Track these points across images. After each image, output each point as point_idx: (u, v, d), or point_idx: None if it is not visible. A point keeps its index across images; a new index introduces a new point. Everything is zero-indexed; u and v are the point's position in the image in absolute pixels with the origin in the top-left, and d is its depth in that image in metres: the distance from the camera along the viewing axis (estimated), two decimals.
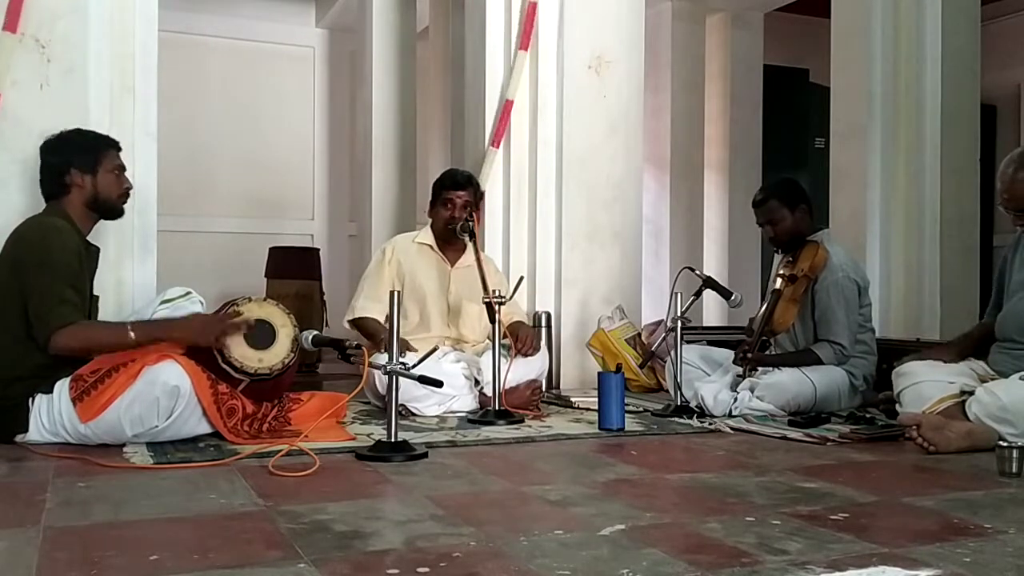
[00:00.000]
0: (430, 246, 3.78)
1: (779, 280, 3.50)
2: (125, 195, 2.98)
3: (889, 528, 1.91)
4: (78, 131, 2.99)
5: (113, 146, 2.98)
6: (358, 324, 3.67)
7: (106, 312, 3.06)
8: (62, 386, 2.63)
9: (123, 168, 2.98)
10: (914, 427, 2.73)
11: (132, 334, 2.66)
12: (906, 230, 4.54)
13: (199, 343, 2.71)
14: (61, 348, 2.63)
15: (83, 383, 2.62)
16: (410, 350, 3.28)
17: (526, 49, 4.52)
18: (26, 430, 2.64)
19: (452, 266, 3.77)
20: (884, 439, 2.95)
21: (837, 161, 4.76)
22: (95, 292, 2.96)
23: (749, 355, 3.40)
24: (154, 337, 2.68)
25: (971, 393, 2.85)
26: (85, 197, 2.88)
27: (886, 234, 4.56)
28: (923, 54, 4.53)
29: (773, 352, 3.65)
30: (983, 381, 2.92)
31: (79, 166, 2.87)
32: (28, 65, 3.21)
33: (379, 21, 6.26)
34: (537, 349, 3.64)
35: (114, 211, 2.97)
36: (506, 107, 4.51)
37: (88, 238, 2.93)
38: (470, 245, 3.62)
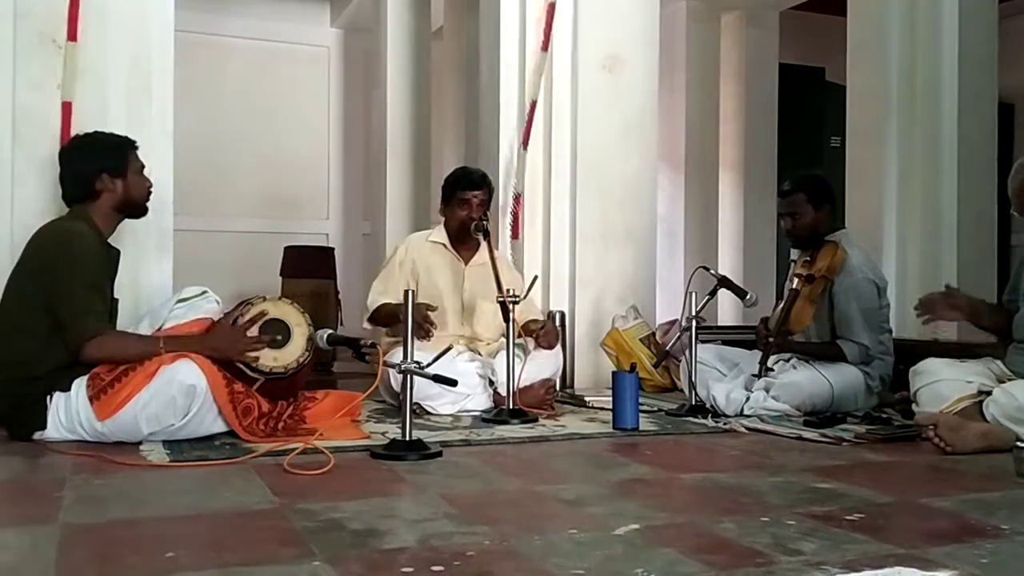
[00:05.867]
0: (444, 244, 3.78)
1: (796, 280, 3.48)
2: (149, 194, 3.01)
3: (905, 529, 1.90)
4: (99, 134, 2.99)
5: (133, 146, 2.99)
6: (375, 316, 3.66)
7: (123, 311, 3.07)
8: (80, 384, 2.65)
9: (143, 166, 3.00)
10: (931, 427, 2.72)
11: (163, 349, 2.68)
12: (922, 229, 4.51)
13: (228, 358, 2.74)
14: (92, 359, 2.67)
15: (100, 381, 2.64)
16: (430, 309, 3.27)
17: (545, 50, 4.53)
18: (44, 427, 2.66)
19: (466, 264, 3.77)
20: (900, 439, 2.94)
21: (853, 160, 4.73)
22: (115, 295, 2.98)
23: (771, 339, 3.37)
24: (183, 352, 2.69)
25: (988, 393, 2.84)
26: (115, 200, 2.90)
27: (902, 233, 4.54)
28: (940, 52, 4.50)
29: (792, 349, 3.63)
30: (1000, 381, 2.91)
31: (110, 171, 2.88)
32: (45, 66, 3.24)
33: (394, 21, 6.27)
34: (553, 344, 3.63)
35: (140, 210, 3.00)
36: (530, 109, 4.52)
37: (108, 239, 2.95)
38: (484, 244, 3.62)
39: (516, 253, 4.53)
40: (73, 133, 3.15)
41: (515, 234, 4.53)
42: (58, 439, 2.65)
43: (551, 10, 4.51)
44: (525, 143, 4.52)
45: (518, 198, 4.51)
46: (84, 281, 2.70)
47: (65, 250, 2.73)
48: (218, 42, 7.32)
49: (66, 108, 3.22)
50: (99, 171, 2.87)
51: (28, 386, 2.67)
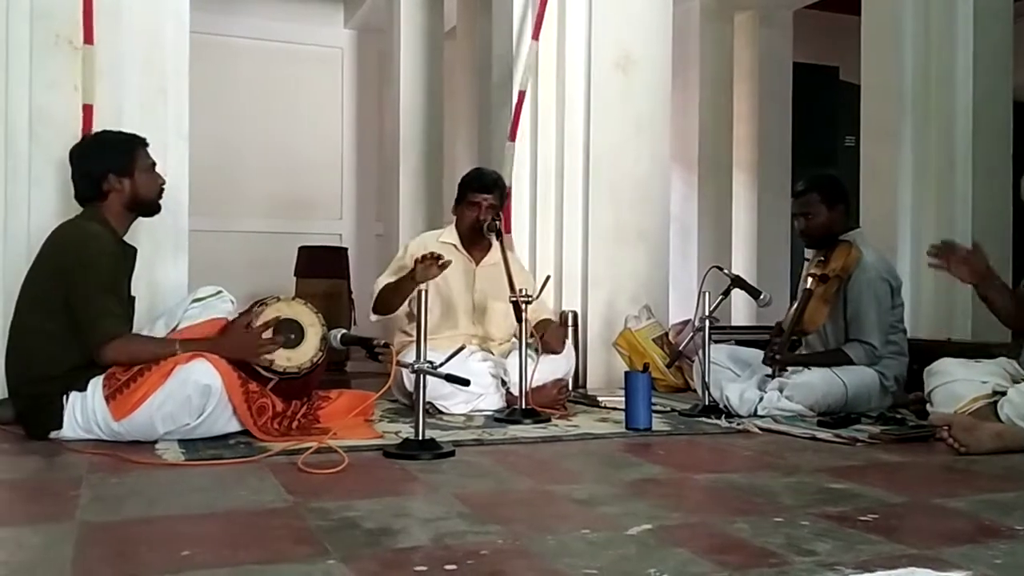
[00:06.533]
0: (454, 245, 3.78)
1: (810, 280, 3.47)
2: (161, 191, 3.01)
3: (919, 529, 1.89)
4: (106, 133, 3.02)
5: (142, 143, 2.98)
6: (378, 304, 3.62)
7: (139, 310, 3.09)
8: (96, 384, 2.67)
9: (154, 164, 3.00)
10: (945, 428, 2.71)
11: (178, 351, 2.69)
12: (937, 229, 4.49)
13: (244, 359, 2.75)
14: (110, 361, 2.68)
15: (116, 381, 2.65)
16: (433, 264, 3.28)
17: (537, 39, 4.53)
18: (60, 426, 2.68)
19: (477, 264, 3.77)
20: (914, 440, 2.93)
21: (868, 159, 4.71)
22: (132, 293, 3.00)
23: (778, 356, 3.38)
24: (199, 353, 2.70)
25: (1003, 393, 2.83)
26: (124, 199, 2.90)
27: (917, 233, 4.52)
28: (955, 52, 4.48)
29: (803, 352, 3.64)
30: (1015, 382, 2.89)
31: (117, 171, 2.88)
32: (62, 67, 3.26)
33: (407, 21, 6.29)
34: (559, 348, 3.63)
35: (152, 208, 3.00)
36: (519, 99, 4.52)
37: (123, 237, 2.96)
38: (496, 244, 3.62)
39: (529, 252, 4.53)
40: None
41: (507, 227, 4.53)
42: (74, 438, 2.66)
43: (544, 1, 4.53)
44: (512, 135, 4.52)
45: (507, 192, 4.51)
46: (100, 283, 2.72)
47: (81, 251, 2.74)
48: (232, 43, 7.35)
49: (87, 111, 3.25)
50: (106, 171, 2.87)
51: (44, 385, 2.69)
